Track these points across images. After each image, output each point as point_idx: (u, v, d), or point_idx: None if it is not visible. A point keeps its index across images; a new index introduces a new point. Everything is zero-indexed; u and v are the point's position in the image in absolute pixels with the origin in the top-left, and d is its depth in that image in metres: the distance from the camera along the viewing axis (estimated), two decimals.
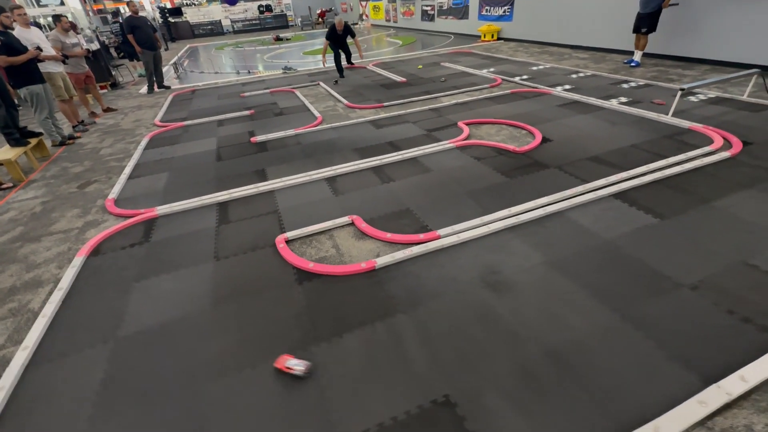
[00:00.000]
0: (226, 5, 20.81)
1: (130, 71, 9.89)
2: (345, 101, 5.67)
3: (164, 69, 8.45)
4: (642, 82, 5.36)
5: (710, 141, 3.36)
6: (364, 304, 1.94)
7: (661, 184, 2.77)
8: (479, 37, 10.81)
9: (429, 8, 13.45)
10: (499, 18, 10.27)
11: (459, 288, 1.99)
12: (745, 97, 4.33)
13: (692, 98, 4.48)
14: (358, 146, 3.95)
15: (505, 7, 9.95)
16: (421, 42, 11.59)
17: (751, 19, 5.23)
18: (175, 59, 11.25)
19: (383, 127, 4.47)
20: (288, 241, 2.49)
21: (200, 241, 2.59)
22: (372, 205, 2.85)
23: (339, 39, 7.07)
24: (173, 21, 20.30)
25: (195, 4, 22.24)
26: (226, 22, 21.96)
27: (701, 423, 1.31)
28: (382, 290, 2.01)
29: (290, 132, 4.53)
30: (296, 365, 1.58)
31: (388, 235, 2.43)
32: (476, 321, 1.78)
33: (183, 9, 21.32)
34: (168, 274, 2.30)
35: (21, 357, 1.79)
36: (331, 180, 3.29)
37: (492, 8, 10.45)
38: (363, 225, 2.57)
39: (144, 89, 8.05)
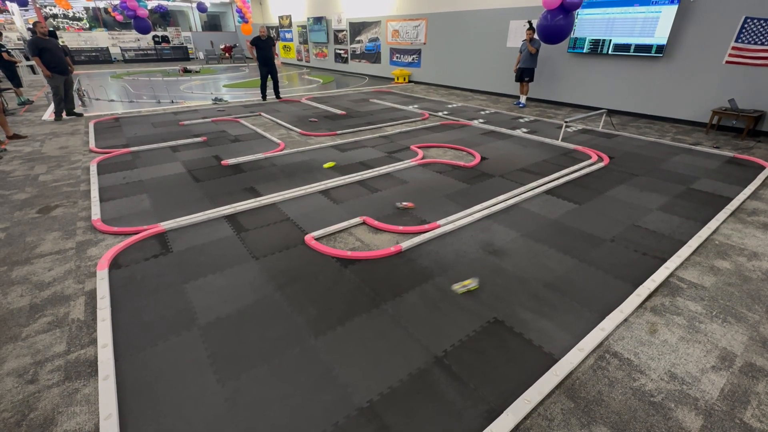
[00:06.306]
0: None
1: (16, 95, 8.61)
2: (298, 129, 6.11)
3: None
4: (532, 118, 7.04)
5: (589, 157, 4.79)
6: (406, 274, 2.46)
7: (572, 184, 3.93)
8: (392, 79, 12.32)
9: (342, 51, 14.72)
10: (409, 64, 11.93)
11: (471, 257, 2.66)
12: (600, 129, 6.15)
13: (568, 129, 6.15)
14: (335, 166, 4.46)
15: (414, 56, 11.65)
16: (337, 81, 12.60)
17: (595, 76, 7.42)
18: (75, 86, 10.10)
19: (347, 151, 5.06)
20: (316, 239, 2.86)
21: (228, 247, 2.78)
22: (372, 208, 3.38)
23: (262, 46, 8.16)
24: None
25: (73, 29, 19.98)
26: (114, 50, 20.13)
27: (640, 305, 2.18)
28: (416, 264, 2.57)
29: (259, 155, 4.79)
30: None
31: (401, 228, 3.00)
32: (493, 273, 2.46)
33: (57, 33, 18.93)
34: (214, 274, 2.47)
35: (106, 352, 1.83)
36: (324, 192, 3.73)
37: (402, 56, 12.09)
38: (375, 223, 3.09)
39: (46, 116, 7.23)
